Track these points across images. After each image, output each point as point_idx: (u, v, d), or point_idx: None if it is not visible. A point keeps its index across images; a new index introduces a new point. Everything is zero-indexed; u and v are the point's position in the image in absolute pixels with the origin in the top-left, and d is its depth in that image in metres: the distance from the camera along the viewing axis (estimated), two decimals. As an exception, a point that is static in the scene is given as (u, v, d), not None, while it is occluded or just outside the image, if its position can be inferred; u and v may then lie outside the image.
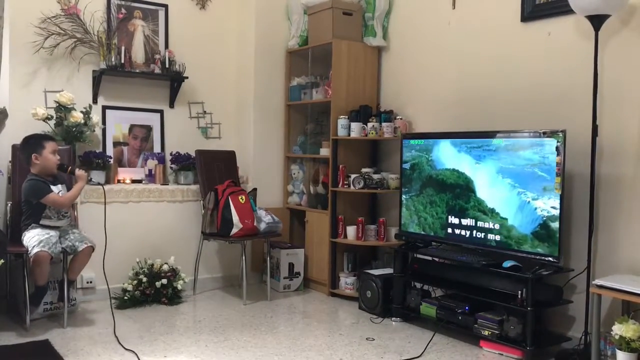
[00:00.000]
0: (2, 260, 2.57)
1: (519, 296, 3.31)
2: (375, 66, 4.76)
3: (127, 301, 4.13)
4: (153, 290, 4.20)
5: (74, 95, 4.19)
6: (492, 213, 3.52)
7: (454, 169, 3.74)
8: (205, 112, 4.97)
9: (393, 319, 3.97)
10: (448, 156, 3.79)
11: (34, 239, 3.49)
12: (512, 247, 3.43)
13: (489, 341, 3.44)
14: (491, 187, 3.53)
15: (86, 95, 4.42)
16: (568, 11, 3.36)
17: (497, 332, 3.40)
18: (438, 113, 4.29)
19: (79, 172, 3.65)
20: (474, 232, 3.62)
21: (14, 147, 3.92)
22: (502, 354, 3.37)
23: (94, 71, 4.41)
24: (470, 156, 3.65)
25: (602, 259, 3.33)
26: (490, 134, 3.56)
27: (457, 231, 3.73)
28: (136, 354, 3.21)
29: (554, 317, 3.52)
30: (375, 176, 4.43)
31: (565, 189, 3.25)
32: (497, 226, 3.50)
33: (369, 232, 4.44)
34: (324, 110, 4.75)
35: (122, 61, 4.44)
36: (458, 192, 3.72)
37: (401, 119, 4.46)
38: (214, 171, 4.62)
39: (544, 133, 3.28)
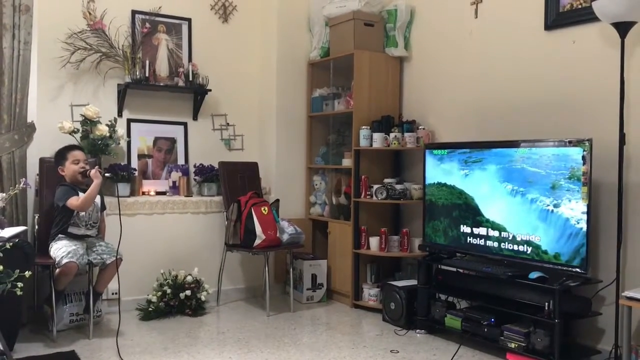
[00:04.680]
0: (29, 273, 2.60)
1: (546, 308, 3.25)
2: (397, 76, 4.75)
3: (151, 312, 4.16)
4: (177, 301, 4.22)
5: (99, 109, 4.26)
6: (512, 225, 3.48)
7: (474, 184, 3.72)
8: (228, 124, 5.01)
9: (417, 331, 3.93)
10: (472, 171, 3.77)
11: (61, 250, 3.55)
12: (538, 258, 3.37)
13: (516, 354, 3.38)
14: (514, 197, 3.49)
15: (111, 109, 4.48)
16: (593, 19, 3.33)
17: (523, 344, 3.34)
18: (461, 123, 4.27)
19: (92, 172, 3.66)
20: (500, 243, 3.58)
21: (41, 160, 3.99)
22: (529, 367, 3.31)
23: (118, 85, 4.48)
24: (491, 167, 3.61)
25: (631, 270, 3.26)
26: (515, 144, 3.52)
27: (482, 242, 3.69)
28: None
29: (583, 330, 3.45)
30: (398, 186, 4.41)
31: (592, 199, 3.19)
32: (523, 238, 3.45)
33: (392, 243, 4.42)
34: (346, 121, 4.75)
35: (147, 75, 4.50)
36: (478, 206, 3.68)
37: (424, 128, 4.44)
38: (236, 182, 4.64)
39: (570, 142, 3.23)
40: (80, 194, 3.65)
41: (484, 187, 3.68)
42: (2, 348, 2.28)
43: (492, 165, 3.62)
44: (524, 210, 3.42)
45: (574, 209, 3.19)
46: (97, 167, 3.72)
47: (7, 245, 2.66)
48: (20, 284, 2.51)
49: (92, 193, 3.61)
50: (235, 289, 4.76)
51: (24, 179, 3.47)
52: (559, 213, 3.26)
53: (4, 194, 3.22)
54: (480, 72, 4.13)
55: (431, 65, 4.53)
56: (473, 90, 4.18)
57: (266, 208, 4.35)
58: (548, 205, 3.28)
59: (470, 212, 3.75)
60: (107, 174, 3.75)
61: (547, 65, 3.70)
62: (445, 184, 3.95)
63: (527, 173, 3.43)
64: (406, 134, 4.42)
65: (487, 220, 3.64)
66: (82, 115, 4.21)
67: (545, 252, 3.33)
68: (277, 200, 4.65)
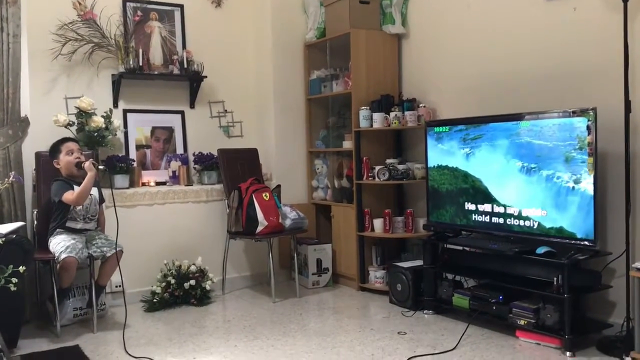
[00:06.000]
0: (24, 268, 2.55)
1: (555, 283, 3.18)
2: (396, 54, 4.66)
3: (156, 304, 4.12)
4: (182, 291, 4.18)
5: (94, 101, 4.19)
6: (519, 201, 3.40)
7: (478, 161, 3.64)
8: (226, 111, 4.93)
9: (425, 311, 3.88)
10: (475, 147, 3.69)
11: (60, 245, 3.50)
12: (545, 233, 3.30)
13: (526, 331, 3.32)
14: (519, 172, 3.41)
15: (107, 100, 4.42)
16: (593, -17, 3.22)
17: (533, 321, 3.28)
18: (462, 98, 4.18)
19: (86, 164, 3.59)
20: (506, 219, 3.51)
21: (37, 154, 3.94)
22: (539, 344, 3.25)
23: (112, 75, 4.41)
24: (495, 143, 3.53)
25: (641, 241, 3.19)
26: (518, 116, 3.43)
27: (487, 219, 3.61)
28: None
29: (593, 304, 3.38)
30: (401, 167, 4.33)
31: (598, 169, 3.11)
32: (528, 213, 3.38)
33: (397, 224, 4.35)
34: (345, 103, 4.67)
35: (141, 64, 4.42)
36: (485, 181, 3.61)
37: (424, 106, 4.35)
38: (237, 170, 4.58)
39: (574, 112, 3.14)
40: (76, 187, 3.60)
41: (491, 167, 3.58)
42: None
43: (497, 141, 3.54)
44: (540, 189, 3.30)
45: (580, 182, 3.11)
46: (91, 159, 3.66)
47: (0, 241, 2.60)
48: (14, 280, 2.47)
49: (87, 186, 3.55)
50: (240, 276, 4.72)
51: (12, 172, 3.40)
52: (563, 186, 3.18)
53: None
54: (480, 46, 4.03)
55: (430, 41, 4.43)
56: (474, 64, 4.08)
57: (267, 194, 4.29)
58: (568, 182, 3.17)
59: (479, 196, 3.65)
60: (100, 166, 3.68)
61: (548, 35, 3.60)
62: (446, 167, 3.87)
63: (533, 147, 3.34)
64: (407, 113, 4.34)
65: (505, 206, 3.52)
66: (76, 107, 4.14)
67: (552, 226, 3.26)
68: (279, 186, 4.59)
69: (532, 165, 3.34)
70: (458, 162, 3.78)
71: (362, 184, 4.44)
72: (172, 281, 4.18)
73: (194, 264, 4.29)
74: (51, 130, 4.01)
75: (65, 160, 3.68)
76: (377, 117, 4.36)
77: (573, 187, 3.14)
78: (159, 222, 4.38)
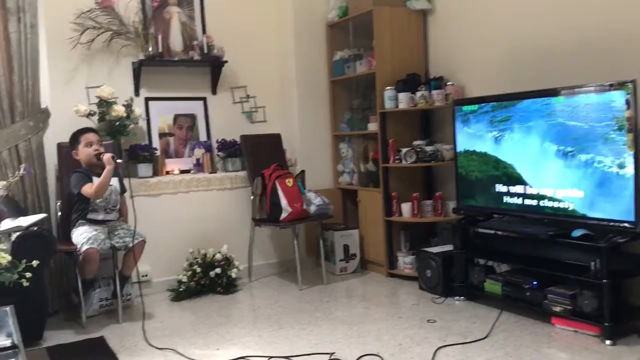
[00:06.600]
0: (37, 262, 2.51)
1: (593, 268, 3.01)
2: (421, 31, 4.48)
3: (182, 293, 4.09)
4: (207, 280, 4.13)
5: (116, 89, 4.14)
6: (556, 185, 3.22)
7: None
8: (248, 96, 4.83)
9: (455, 298, 3.74)
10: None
11: (82, 236, 3.49)
12: (581, 215, 3.12)
13: (562, 318, 3.16)
14: (555, 157, 3.22)
15: (128, 88, 4.37)
16: (631, -54, 2.99)
17: (570, 307, 3.12)
18: (492, 75, 3.98)
19: (105, 157, 3.56)
20: (539, 201, 3.33)
21: (59, 145, 3.92)
22: (577, 331, 3.09)
23: (133, 63, 4.35)
24: (528, 123, 3.35)
25: (686, 222, 2.98)
26: (551, 92, 3.24)
27: (519, 201, 3.44)
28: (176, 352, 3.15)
29: (635, 289, 3.19)
30: (428, 148, 4.18)
31: (639, 146, 2.90)
32: (563, 194, 3.20)
33: (425, 208, 4.20)
34: (370, 83, 4.51)
35: (160, 50, 4.35)
36: (517, 168, 3.43)
37: (452, 84, 4.17)
38: (260, 156, 4.49)
39: (611, 85, 2.94)
40: (95, 179, 3.57)
41: (524, 151, 3.39)
42: (16, 341, 2.21)
43: (527, 122, 3.35)
44: (580, 175, 3.10)
45: (619, 160, 2.92)
46: (110, 153, 3.61)
47: (13, 236, 2.56)
48: (28, 275, 2.43)
49: (105, 180, 3.52)
50: (267, 263, 4.65)
51: (24, 164, 3.37)
52: (601, 165, 2.98)
53: (4, 182, 3.14)
54: (511, 19, 3.82)
55: (457, 16, 4.24)
56: (504, 38, 3.88)
57: (291, 180, 4.20)
58: (610, 166, 2.97)
59: (513, 185, 3.48)
60: (119, 160, 3.63)
61: (581, 5, 3.38)
62: (474, 152, 3.69)
63: (568, 128, 3.14)
64: (434, 92, 4.17)
65: (544, 197, 3.32)
66: (97, 96, 4.10)
67: (589, 208, 3.07)
68: (303, 172, 4.49)
69: (569, 149, 3.15)
70: (487, 146, 3.61)
71: (389, 167, 4.31)
72: (198, 270, 4.14)
73: (219, 252, 4.23)
74: (72, 121, 3.97)
75: (84, 152, 3.65)
76: (403, 97, 4.20)
77: (617, 172, 2.93)
78: (183, 210, 4.33)
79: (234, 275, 4.21)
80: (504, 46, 3.88)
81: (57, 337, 3.40)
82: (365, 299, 3.95)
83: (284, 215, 4.07)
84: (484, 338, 3.08)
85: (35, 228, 3.21)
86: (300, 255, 4.25)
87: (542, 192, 3.31)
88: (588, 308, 3.04)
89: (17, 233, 3.12)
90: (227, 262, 4.23)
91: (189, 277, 4.13)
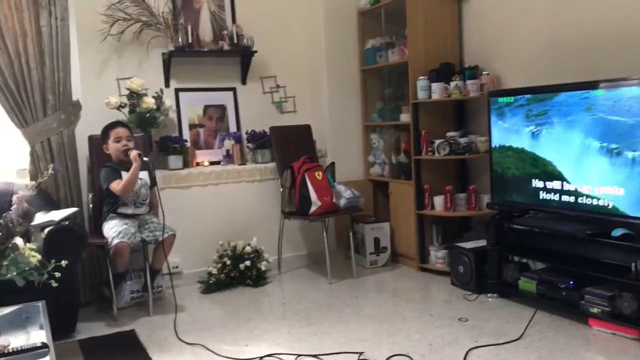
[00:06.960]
0: (66, 262, 2.53)
1: (633, 269, 2.89)
2: (456, 18, 4.34)
3: (212, 285, 4.10)
4: (237, 272, 4.13)
5: (146, 81, 4.13)
6: (597, 179, 3.09)
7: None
8: (278, 85, 4.78)
9: (489, 295, 3.65)
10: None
11: (112, 230, 3.51)
12: (622, 213, 2.99)
13: (599, 319, 3.05)
14: (597, 150, 3.08)
15: (158, 80, 4.36)
16: None
17: (608, 309, 3.00)
18: (530, 65, 3.83)
19: (132, 154, 3.57)
20: (577, 197, 3.20)
21: (90, 138, 3.94)
22: (615, 334, 2.98)
23: (163, 54, 4.34)
24: (567, 118, 3.21)
25: None
26: (592, 85, 3.09)
27: (557, 197, 3.32)
28: (207, 348, 3.15)
29: (678, 291, 3.06)
30: (462, 140, 4.07)
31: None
32: (603, 191, 3.06)
33: (459, 202, 4.11)
34: (402, 72, 4.40)
35: (190, 41, 4.32)
36: (558, 165, 3.30)
37: (488, 74, 4.04)
38: (290, 147, 4.44)
39: (657, 79, 2.79)
40: (124, 174, 3.58)
41: (564, 148, 3.24)
42: (46, 340, 2.23)
43: (566, 117, 3.21)
44: (626, 173, 2.94)
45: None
46: (137, 151, 3.61)
47: (43, 232, 2.58)
48: (57, 274, 2.44)
49: (132, 177, 3.54)
50: (296, 256, 4.63)
51: (52, 164, 3.39)
52: (646, 162, 2.85)
53: (33, 182, 3.16)
54: (551, 6, 3.65)
55: (494, 2, 4.08)
56: (543, 27, 3.72)
57: (320, 173, 4.14)
58: (629, 151, 2.84)
59: (551, 180, 3.34)
60: (145, 158, 3.63)
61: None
62: (511, 147, 3.56)
63: (610, 124, 2.99)
64: (468, 82, 4.04)
65: (582, 194, 3.19)
66: (127, 88, 4.11)
67: (632, 206, 2.94)
68: (333, 164, 4.42)
69: (614, 146, 3.00)
70: (524, 142, 3.47)
71: (421, 160, 4.21)
72: (228, 262, 4.14)
73: (249, 245, 4.22)
74: (103, 113, 3.99)
75: (113, 147, 3.67)
76: (436, 87, 4.09)
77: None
78: (213, 202, 4.33)
79: (263, 268, 4.19)
80: (543, 35, 3.73)
81: (89, 329, 3.45)
82: (396, 294, 3.89)
83: (313, 208, 4.03)
84: (518, 339, 3.00)
85: (67, 222, 3.23)
86: (329, 248, 4.21)
87: (580, 190, 3.18)
88: (627, 310, 2.92)
89: (49, 227, 3.16)
90: (257, 255, 4.22)
91: (219, 270, 4.13)
